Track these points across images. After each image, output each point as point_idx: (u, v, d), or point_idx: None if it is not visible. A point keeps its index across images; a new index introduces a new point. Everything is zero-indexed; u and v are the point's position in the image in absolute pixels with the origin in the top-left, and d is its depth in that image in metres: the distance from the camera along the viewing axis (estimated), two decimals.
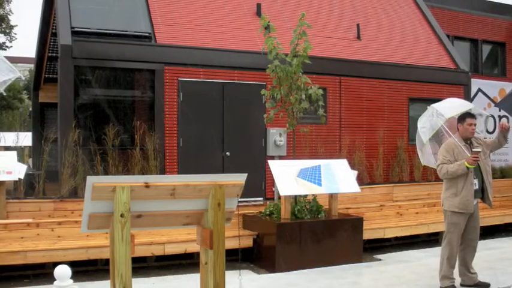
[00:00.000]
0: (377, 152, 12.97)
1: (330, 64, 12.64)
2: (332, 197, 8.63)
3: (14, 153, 9.27)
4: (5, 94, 7.72)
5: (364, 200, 11.15)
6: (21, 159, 13.26)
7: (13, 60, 11.69)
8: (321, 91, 8.87)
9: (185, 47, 11.27)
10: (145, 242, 7.80)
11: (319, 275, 7.58)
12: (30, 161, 17.41)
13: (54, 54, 15.26)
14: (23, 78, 34.78)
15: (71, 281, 3.87)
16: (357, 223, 8.60)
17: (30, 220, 8.07)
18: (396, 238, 9.91)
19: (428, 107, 7.91)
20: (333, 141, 12.66)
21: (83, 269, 7.58)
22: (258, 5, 12.83)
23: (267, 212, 8.57)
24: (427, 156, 7.96)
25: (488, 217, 10.63)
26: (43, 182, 9.74)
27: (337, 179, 8.59)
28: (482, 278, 6.82)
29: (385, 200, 11.62)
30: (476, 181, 6.52)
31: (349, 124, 13.00)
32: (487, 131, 15.78)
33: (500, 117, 15.57)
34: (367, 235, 9.05)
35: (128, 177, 3.65)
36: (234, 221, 5.23)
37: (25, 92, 37.89)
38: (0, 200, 8.62)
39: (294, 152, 9.05)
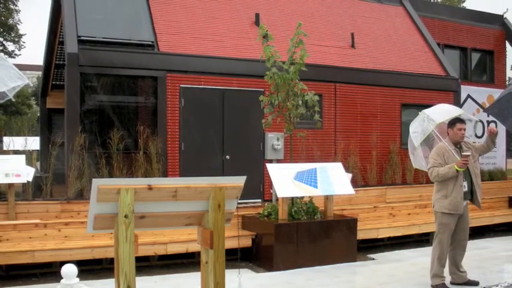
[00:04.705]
0: (371, 156, 12.98)
1: (325, 71, 12.65)
2: (327, 198, 8.64)
3: (23, 157, 9.27)
4: (14, 100, 7.72)
5: (358, 202, 11.16)
6: (29, 162, 13.24)
7: (22, 67, 11.68)
8: (316, 97, 8.89)
9: (187, 55, 11.29)
10: (148, 241, 7.80)
11: (315, 273, 7.58)
12: (38, 164, 17.40)
13: (61, 62, 15.27)
14: (31, 85, 34.75)
15: (77, 279, 3.87)
16: (351, 224, 8.60)
17: (38, 221, 8.07)
18: (389, 238, 9.91)
19: (419, 112, 7.93)
20: (328, 145, 12.67)
21: (88, 267, 7.57)
22: (257, 15, 12.85)
23: (265, 213, 8.57)
24: (418, 160, 7.98)
25: (478, 218, 10.64)
26: (50, 184, 9.74)
27: (332, 181, 8.60)
28: (471, 276, 6.82)
29: (379, 201, 11.63)
30: (465, 183, 6.53)
31: (344, 129, 13.01)
32: (476, 136, 15.84)
33: (488, 122, 15.60)
34: (361, 235, 9.05)
35: (132, 179, 3.65)
36: (233, 221, 5.24)
37: (33, 98, 37.87)
38: (9, 202, 8.62)
39: (291, 155, 9.05)
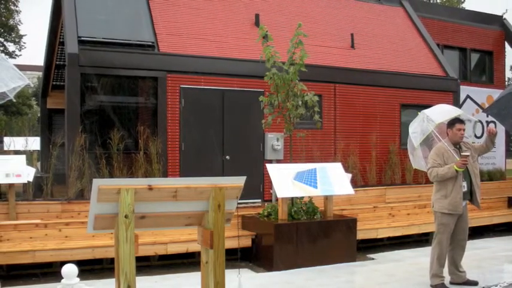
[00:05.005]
0: (370, 156, 12.98)
1: (325, 72, 12.66)
2: (327, 198, 8.64)
3: (23, 157, 9.28)
4: (14, 100, 7.71)
5: (358, 202, 11.17)
6: (30, 162, 13.26)
7: (22, 68, 11.68)
8: (316, 98, 8.89)
9: (187, 55, 11.29)
10: (148, 241, 7.80)
11: (315, 273, 7.58)
12: (38, 164, 17.41)
13: (61, 63, 15.27)
14: (32, 86, 34.82)
15: (78, 279, 3.87)
16: (351, 224, 8.60)
17: (38, 221, 8.07)
18: (389, 238, 9.91)
19: (419, 113, 7.93)
20: (328, 146, 12.67)
21: (89, 267, 7.58)
22: (257, 16, 12.86)
23: (265, 213, 8.57)
24: (418, 160, 7.97)
25: (477, 218, 10.65)
26: (51, 184, 9.75)
27: (332, 181, 8.60)
28: (470, 276, 6.82)
29: (378, 201, 11.63)
30: (465, 183, 6.53)
31: (344, 129, 13.01)
32: (475, 136, 15.83)
33: (487, 122, 15.59)
34: (360, 235, 9.06)
35: (132, 180, 3.65)
36: (233, 221, 5.24)
37: (34, 98, 37.92)
38: (10, 202, 8.63)
39: (290, 155, 9.05)
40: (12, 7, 32.49)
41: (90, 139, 10.22)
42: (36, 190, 9.99)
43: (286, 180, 8.30)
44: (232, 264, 7.42)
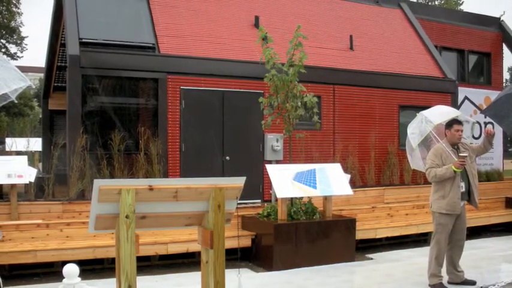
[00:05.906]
0: (369, 157, 12.98)
1: (324, 73, 12.65)
2: (326, 199, 8.64)
3: (25, 158, 9.29)
4: (16, 102, 7.73)
5: (356, 202, 11.17)
6: (31, 163, 13.25)
7: (24, 69, 11.69)
8: (315, 99, 8.89)
9: (187, 57, 11.29)
10: (149, 241, 7.80)
11: (314, 273, 7.58)
12: (40, 165, 17.40)
13: (63, 64, 15.28)
14: (34, 87, 34.82)
15: (79, 278, 3.87)
16: (350, 224, 8.60)
17: (40, 221, 8.08)
18: (387, 238, 9.90)
19: (417, 114, 7.93)
20: (327, 146, 12.66)
21: (90, 267, 7.57)
22: (256, 17, 12.85)
23: (265, 214, 8.57)
24: (416, 161, 7.98)
25: (475, 218, 10.64)
26: (52, 185, 9.74)
27: (331, 182, 8.60)
28: (468, 276, 6.83)
29: (377, 202, 11.63)
30: (463, 184, 6.54)
31: (343, 130, 13.01)
32: (473, 137, 15.78)
33: (485, 123, 15.59)
34: (359, 235, 9.05)
35: (133, 180, 3.65)
36: (233, 222, 5.24)
37: (35, 99, 37.93)
38: (12, 202, 8.63)
39: (290, 156, 9.06)
40: (14, 9, 32.50)
41: (91, 140, 10.21)
42: (37, 190, 9.99)
43: (285, 180, 8.30)
44: (232, 264, 7.42)
